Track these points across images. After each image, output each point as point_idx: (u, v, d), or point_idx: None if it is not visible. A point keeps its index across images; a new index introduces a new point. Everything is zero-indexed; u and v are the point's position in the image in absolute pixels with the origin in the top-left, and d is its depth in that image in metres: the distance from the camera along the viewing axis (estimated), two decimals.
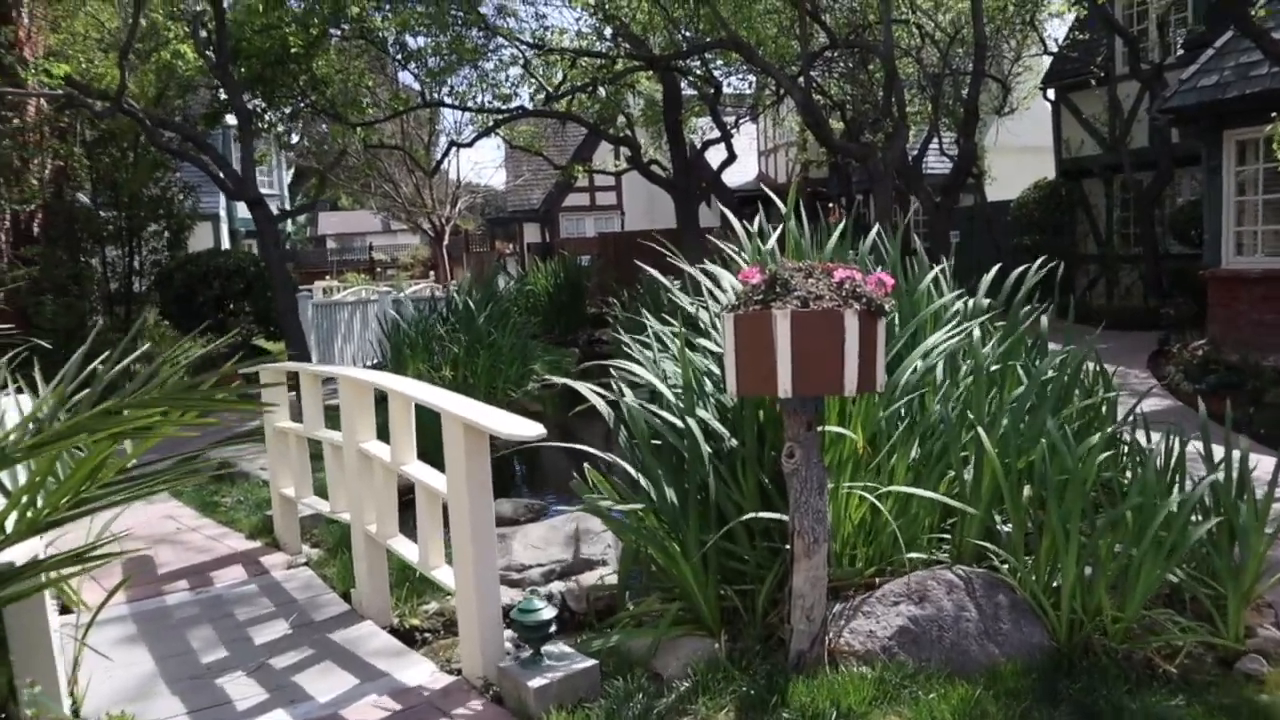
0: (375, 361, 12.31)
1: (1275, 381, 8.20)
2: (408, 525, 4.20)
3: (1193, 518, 3.63)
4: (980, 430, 3.74)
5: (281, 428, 5.23)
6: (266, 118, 13.78)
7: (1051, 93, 17.36)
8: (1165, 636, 3.47)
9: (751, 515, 3.63)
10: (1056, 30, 22.86)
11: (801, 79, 11.49)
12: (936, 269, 4.84)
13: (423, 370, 10.73)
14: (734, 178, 21.67)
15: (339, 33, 12.71)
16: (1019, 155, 20.40)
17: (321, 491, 5.21)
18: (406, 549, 4.04)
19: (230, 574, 4.98)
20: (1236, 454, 3.88)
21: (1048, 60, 18.08)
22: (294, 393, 5.71)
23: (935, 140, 17.69)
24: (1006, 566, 3.78)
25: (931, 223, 14.79)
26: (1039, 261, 4.72)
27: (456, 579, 3.56)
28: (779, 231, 4.46)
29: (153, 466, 2.29)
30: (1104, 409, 4.71)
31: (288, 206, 21.68)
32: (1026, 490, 3.76)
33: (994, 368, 4.25)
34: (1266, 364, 8.83)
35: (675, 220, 16.95)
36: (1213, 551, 3.65)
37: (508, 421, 3.24)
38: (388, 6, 12.52)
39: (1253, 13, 7.91)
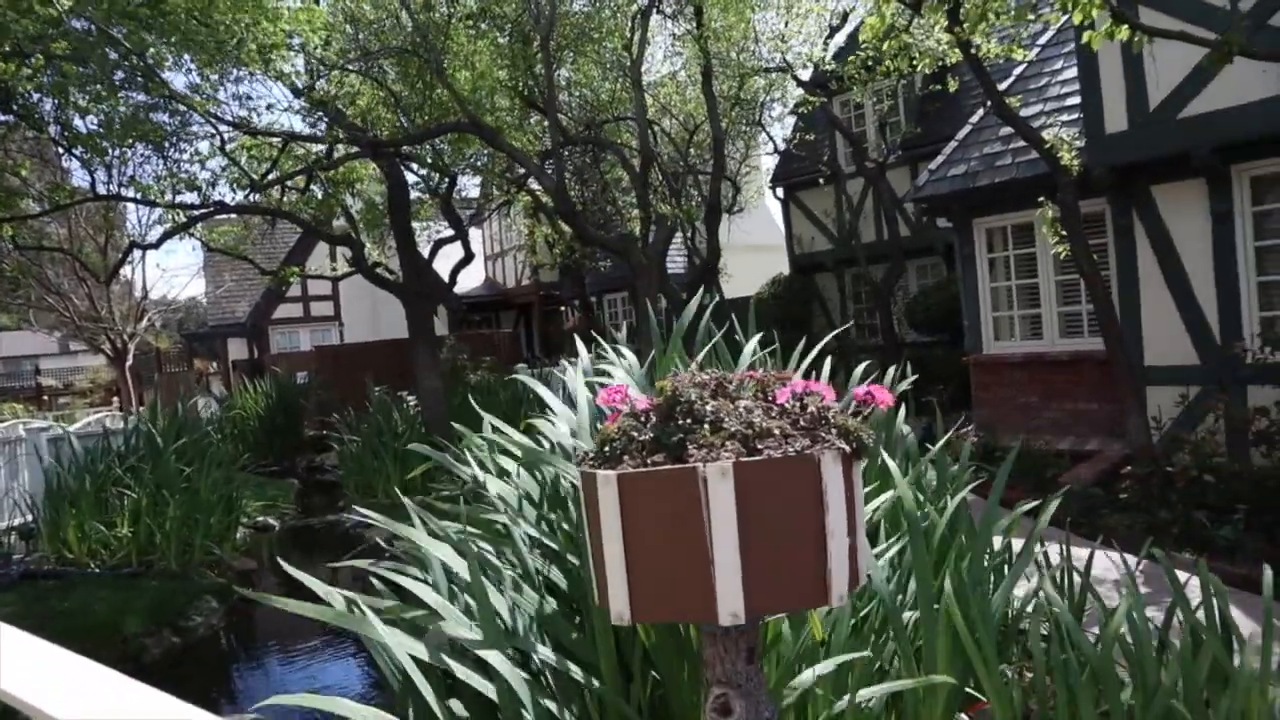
0: (26, 522, 9.42)
1: (1069, 466, 7.94)
2: None
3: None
4: (956, 614, 2.56)
5: None
6: None
7: (780, 191, 17.74)
8: None
9: None
10: (782, 131, 23.93)
11: (550, 166, 10.48)
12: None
13: (91, 531, 8.25)
14: (460, 284, 20.37)
15: None
16: (751, 253, 20.78)
17: None
18: None
19: None
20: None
21: (773, 160, 18.57)
22: None
23: (678, 237, 17.46)
24: None
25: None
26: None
27: None
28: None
29: None
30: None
31: None
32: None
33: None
34: (1047, 448, 8.66)
35: (406, 329, 15.22)
36: None
37: None
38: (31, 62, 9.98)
39: (1007, 100, 7.86)
